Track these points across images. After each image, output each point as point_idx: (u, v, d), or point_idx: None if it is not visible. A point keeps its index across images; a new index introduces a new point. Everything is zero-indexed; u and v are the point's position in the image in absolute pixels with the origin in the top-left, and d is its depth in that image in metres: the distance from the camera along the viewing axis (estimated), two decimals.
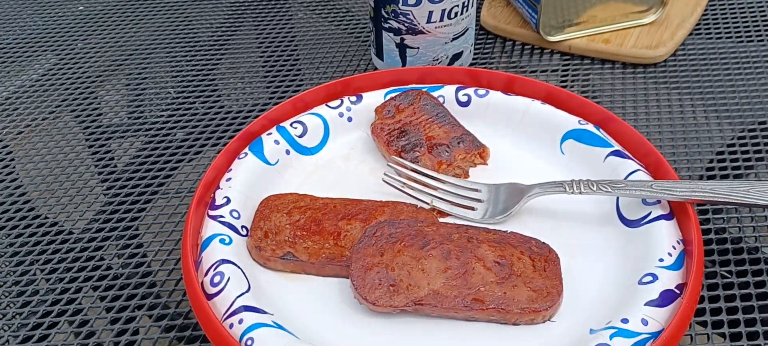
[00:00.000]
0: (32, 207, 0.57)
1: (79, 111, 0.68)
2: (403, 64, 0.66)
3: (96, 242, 0.54)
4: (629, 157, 0.52)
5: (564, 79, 0.68)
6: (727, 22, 0.75)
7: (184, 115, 0.67)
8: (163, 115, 0.67)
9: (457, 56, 0.66)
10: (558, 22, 0.70)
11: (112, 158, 0.62)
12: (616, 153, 0.53)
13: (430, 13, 0.62)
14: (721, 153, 0.58)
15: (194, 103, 0.68)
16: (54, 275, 0.51)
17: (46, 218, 0.56)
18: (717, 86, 0.65)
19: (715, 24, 0.75)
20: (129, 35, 0.80)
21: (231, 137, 0.62)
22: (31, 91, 0.72)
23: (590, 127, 0.55)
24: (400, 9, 0.62)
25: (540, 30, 0.70)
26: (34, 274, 0.51)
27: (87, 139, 0.64)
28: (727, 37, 0.72)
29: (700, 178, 0.56)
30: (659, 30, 0.71)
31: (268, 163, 0.54)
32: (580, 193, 0.49)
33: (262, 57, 0.75)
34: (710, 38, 0.72)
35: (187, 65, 0.74)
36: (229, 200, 0.50)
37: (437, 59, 0.65)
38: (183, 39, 0.79)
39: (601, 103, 0.64)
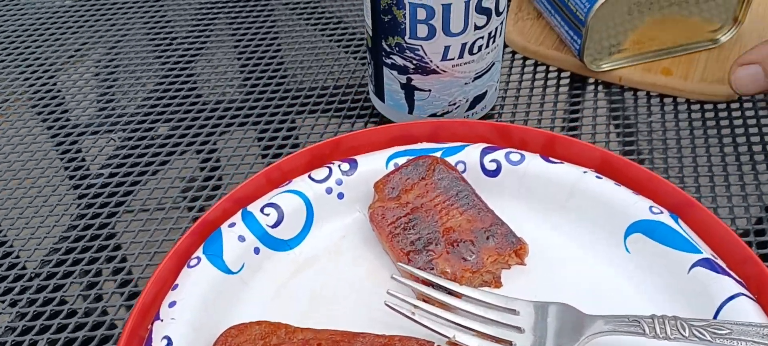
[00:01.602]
0: None
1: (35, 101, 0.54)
2: (410, 109, 0.51)
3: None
4: (726, 273, 0.38)
5: (615, 119, 0.53)
6: None
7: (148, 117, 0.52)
8: (133, 112, 0.52)
9: (479, 98, 0.51)
10: (604, 47, 0.55)
11: (83, 160, 0.48)
12: (705, 263, 0.38)
13: (447, 48, 0.47)
14: None
15: (170, 100, 0.53)
16: None
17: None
18: None
19: None
20: (94, 18, 0.65)
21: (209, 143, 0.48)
22: None
23: (665, 217, 0.40)
24: (406, 43, 0.47)
25: (584, 58, 0.55)
26: None
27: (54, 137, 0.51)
28: None
29: None
30: (731, 56, 0.56)
31: (228, 271, 0.40)
32: (666, 338, 0.34)
33: (245, 65, 0.60)
34: None
35: (163, 62, 0.59)
36: (170, 343, 0.36)
37: (454, 103, 0.50)
38: (159, 33, 0.64)
39: (666, 151, 0.50)
